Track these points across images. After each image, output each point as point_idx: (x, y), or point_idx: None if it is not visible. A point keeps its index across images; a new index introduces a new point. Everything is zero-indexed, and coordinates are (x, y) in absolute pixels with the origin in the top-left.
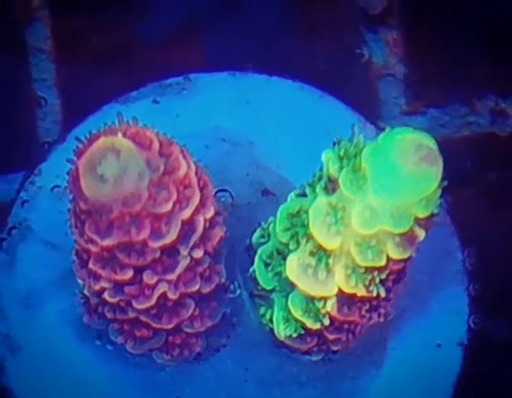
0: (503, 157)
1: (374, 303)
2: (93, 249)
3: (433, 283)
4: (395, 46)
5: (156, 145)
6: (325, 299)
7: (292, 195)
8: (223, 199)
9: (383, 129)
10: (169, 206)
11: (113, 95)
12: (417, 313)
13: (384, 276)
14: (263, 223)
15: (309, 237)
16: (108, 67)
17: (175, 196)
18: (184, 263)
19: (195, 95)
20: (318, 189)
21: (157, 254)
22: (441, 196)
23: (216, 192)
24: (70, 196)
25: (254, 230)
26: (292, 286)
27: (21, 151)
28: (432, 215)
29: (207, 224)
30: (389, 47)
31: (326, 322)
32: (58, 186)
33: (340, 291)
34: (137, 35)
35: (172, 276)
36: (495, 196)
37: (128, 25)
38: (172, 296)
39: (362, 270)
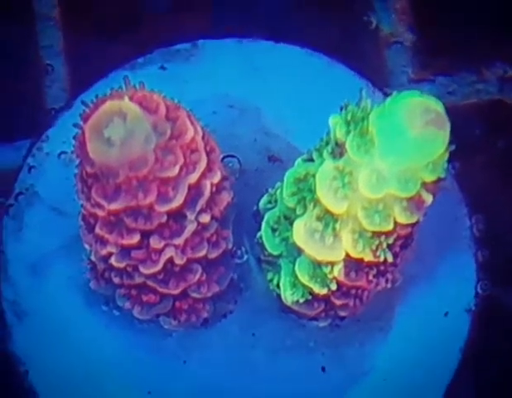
0: (511, 124)
1: (382, 268)
2: (99, 213)
3: (441, 250)
4: (403, 14)
5: (162, 109)
6: (332, 264)
7: (299, 160)
8: (230, 165)
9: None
10: (176, 171)
11: (121, 62)
12: (424, 280)
13: (391, 241)
14: (270, 189)
15: (316, 202)
16: (115, 34)
17: (181, 161)
18: (191, 227)
19: (203, 62)
20: (325, 154)
21: (164, 219)
22: (449, 163)
23: (224, 158)
24: (77, 161)
25: (262, 196)
26: (299, 251)
27: (28, 118)
28: (440, 179)
29: (214, 189)
30: (397, 15)
31: (333, 287)
32: (65, 153)
33: (348, 256)
34: (145, 1)
35: (179, 241)
36: (502, 163)
37: None
38: (179, 261)
39: (369, 235)
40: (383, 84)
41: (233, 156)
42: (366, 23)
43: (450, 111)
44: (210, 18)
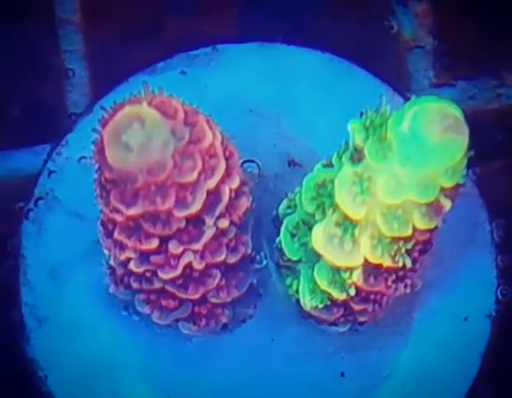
0: None
1: (401, 273)
2: (118, 218)
3: (461, 255)
4: (424, 18)
5: (181, 114)
6: (351, 270)
7: (318, 165)
8: (249, 170)
9: None
10: (194, 176)
11: (142, 67)
12: (444, 285)
13: (410, 246)
14: (289, 194)
15: (335, 207)
16: (136, 38)
17: (200, 166)
18: (209, 233)
19: (223, 66)
20: (344, 159)
21: (183, 224)
22: (469, 168)
23: (243, 163)
24: (96, 166)
25: (281, 201)
26: (318, 257)
27: (49, 123)
28: (459, 185)
29: (233, 194)
30: (418, 19)
31: (352, 292)
32: (85, 157)
33: (366, 261)
34: (166, 5)
35: (198, 246)
36: None
37: None
38: (198, 266)
39: (388, 240)
40: (404, 88)
41: (252, 161)
42: (387, 28)
43: (471, 116)
44: (232, 23)
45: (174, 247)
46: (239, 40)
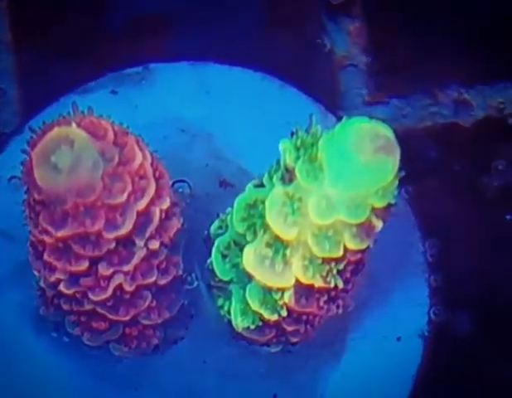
0: (466, 148)
1: (333, 294)
2: (47, 240)
3: (394, 275)
4: (357, 36)
5: (110, 135)
6: (282, 291)
7: (249, 185)
8: (181, 190)
9: None
10: (124, 197)
11: (73, 86)
12: (377, 305)
13: (341, 267)
14: (221, 214)
15: (266, 228)
16: (67, 58)
17: (130, 187)
18: (140, 254)
19: (155, 85)
20: (275, 179)
21: (113, 246)
22: (402, 187)
23: (174, 183)
24: (25, 187)
25: (213, 222)
26: (250, 277)
27: None
28: (390, 205)
29: (163, 215)
30: (351, 37)
31: (284, 313)
32: (15, 177)
33: (298, 282)
34: (98, 25)
35: (128, 267)
36: (457, 187)
37: (89, 15)
38: (128, 288)
39: (319, 261)
40: (337, 106)
41: (183, 181)
42: (320, 46)
43: (404, 134)
44: (163, 41)
45: (104, 269)
46: (171, 59)
